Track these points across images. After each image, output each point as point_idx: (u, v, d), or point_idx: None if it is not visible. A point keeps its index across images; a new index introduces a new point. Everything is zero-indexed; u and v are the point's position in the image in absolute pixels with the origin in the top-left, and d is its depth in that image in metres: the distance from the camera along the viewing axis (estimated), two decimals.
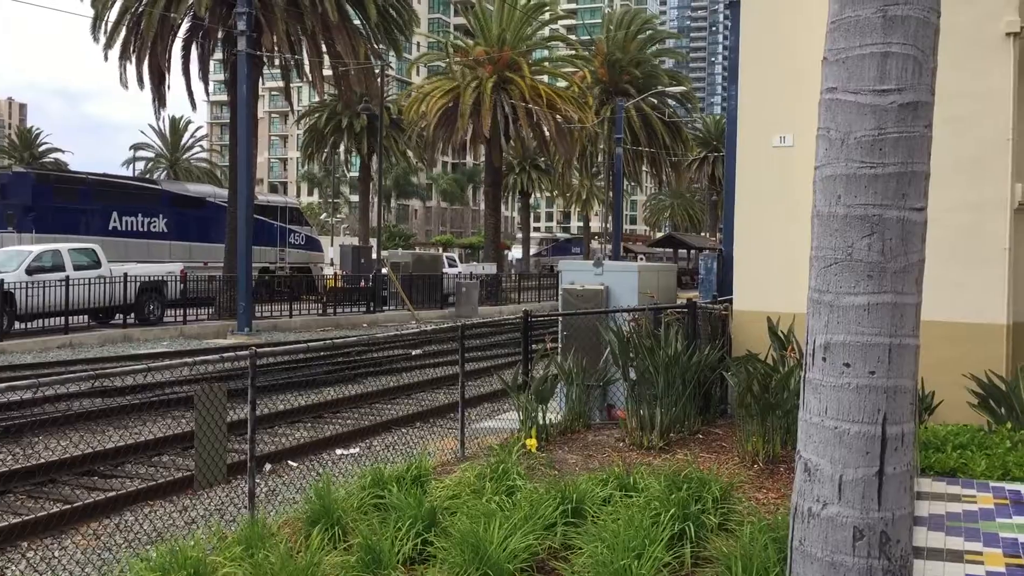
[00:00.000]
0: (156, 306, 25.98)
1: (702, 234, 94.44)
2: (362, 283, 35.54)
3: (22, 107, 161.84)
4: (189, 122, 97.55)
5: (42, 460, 10.06)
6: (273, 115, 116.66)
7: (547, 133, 42.27)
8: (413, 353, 20.58)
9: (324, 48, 30.92)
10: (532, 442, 8.01)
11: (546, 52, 50.19)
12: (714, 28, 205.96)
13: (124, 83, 31.12)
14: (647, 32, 60.61)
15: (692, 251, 72.67)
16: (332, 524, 5.73)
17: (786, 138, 9.86)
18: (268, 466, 10.19)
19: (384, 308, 33.60)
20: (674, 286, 12.76)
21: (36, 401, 13.27)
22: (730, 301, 10.54)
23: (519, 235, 79.26)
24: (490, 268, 42.57)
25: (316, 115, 58.01)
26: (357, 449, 11.31)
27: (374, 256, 40.54)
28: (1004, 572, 4.82)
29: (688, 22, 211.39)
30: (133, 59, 29.87)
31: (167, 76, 30.33)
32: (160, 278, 26.37)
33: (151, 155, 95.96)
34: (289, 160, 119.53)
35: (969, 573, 4.81)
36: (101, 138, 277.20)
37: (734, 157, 10.75)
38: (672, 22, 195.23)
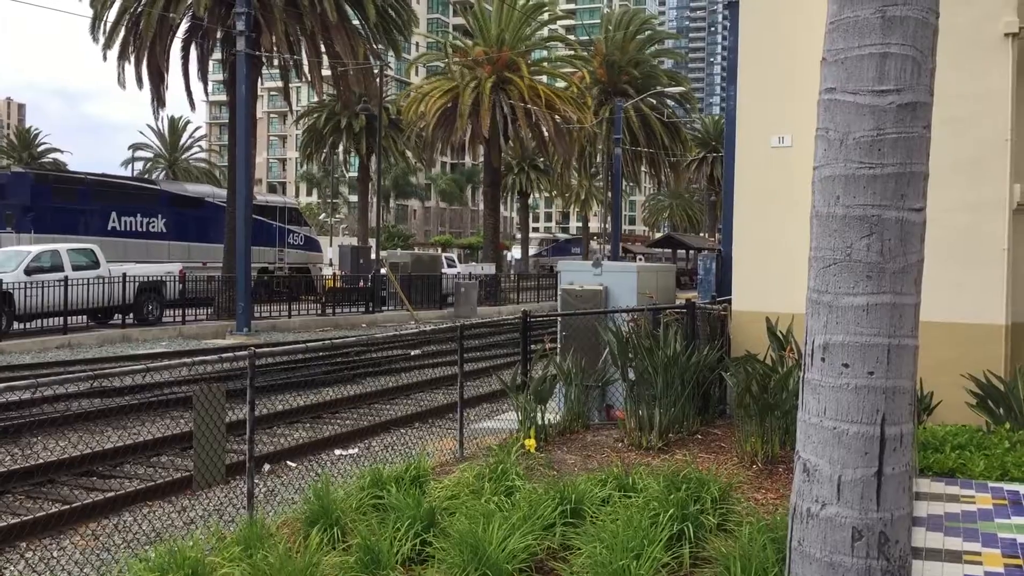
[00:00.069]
0: (155, 306, 25.97)
1: (701, 234, 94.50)
2: (361, 283, 35.54)
3: (21, 107, 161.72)
4: (188, 122, 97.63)
5: (41, 460, 10.05)
6: (272, 115, 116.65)
7: (546, 133, 42.28)
8: (412, 353, 20.58)
9: (323, 48, 30.92)
10: (531, 442, 8.01)
11: (545, 52, 50.19)
12: (713, 28, 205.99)
13: (122, 83, 31.13)
14: (646, 32, 60.62)
15: (691, 251, 72.69)
16: (331, 524, 5.73)
17: (785, 138, 9.87)
18: (267, 466, 10.18)
19: (383, 308, 33.60)
20: (673, 286, 12.76)
21: (35, 401, 13.27)
22: (729, 301, 10.54)
23: (518, 235, 79.26)
24: (489, 268, 42.57)
25: (315, 115, 58.02)
26: (356, 449, 11.31)
27: (373, 256, 40.54)
28: (1002, 572, 4.82)
29: (687, 22, 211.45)
30: (132, 59, 29.87)
31: (166, 76, 30.36)
32: (159, 278, 26.36)
33: (150, 155, 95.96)
34: (288, 160, 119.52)
35: (967, 573, 4.82)
36: (100, 138, 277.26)
37: (733, 157, 10.76)
38: (671, 22, 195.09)
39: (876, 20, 3.68)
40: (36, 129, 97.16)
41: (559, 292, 11.32)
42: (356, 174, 63.37)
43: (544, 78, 45.11)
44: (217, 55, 32.21)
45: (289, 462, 10.54)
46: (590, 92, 50.35)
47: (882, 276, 3.69)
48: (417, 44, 57.38)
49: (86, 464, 9.94)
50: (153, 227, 33.84)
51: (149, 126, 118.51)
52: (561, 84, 46.18)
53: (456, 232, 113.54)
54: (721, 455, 8.05)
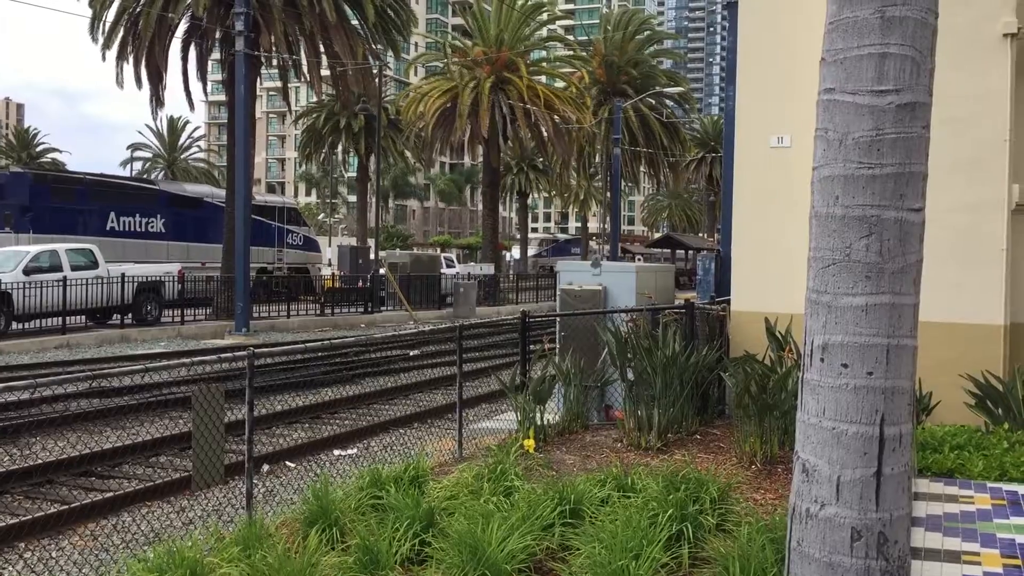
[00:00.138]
0: (154, 306, 25.95)
1: (700, 235, 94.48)
2: (360, 283, 35.53)
3: (19, 107, 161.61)
4: (187, 122, 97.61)
5: (39, 461, 10.04)
6: (271, 115, 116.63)
7: (545, 133, 42.26)
8: (411, 354, 20.57)
9: (322, 48, 30.90)
10: (530, 443, 8.00)
11: (544, 53, 50.14)
12: (712, 29, 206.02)
13: (120, 83, 31.11)
14: (645, 33, 60.61)
15: (690, 252, 72.65)
16: (330, 525, 5.73)
17: (784, 139, 9.87)
18: (266, 467, 10.18)
19: (382, 308, 33.60)
20: (672, 287, 12.76)
21: (33, 401, 13.26)
22: (728, 302, 10.54)
23: (518, 236, 79.27)
24: (488, 268, 42.55)
25: (314, 115, 58.00)
26: (355, 450, 11.30)
27: (372, 256, 40.53)
28: (1001, 573, 4.82)
29: (686, 23, 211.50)
30: (130, 59, 29.86)
31: (165, 76, 30.34)
32: (158, 278, 26.34)
33: (149, 155, 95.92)
34: (287, 160, 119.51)
35: (966, 574, 4.82)
36: (99, 138, 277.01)
37: (732, 158, 10.76)
38: (670, 23, 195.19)
39: (875, 20, 3.68)
40: (35, 129, 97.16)
41: (558, 292, 11.32)
42: (355, 174, 63.33)
43: (543, 78, 45.09)
44: (216, 55, 32.20)
45: (288, 462, 10.54)
46: (589, 92, 50.33)
47: (881, 276, 3.69)
48: (416, 44, 57.43)
49: (85, 464, 9.93)
50: (152, 227, 33.82)
51: (148, 126, 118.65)
52: (560, 84, 46.17)
53: (455, 232, 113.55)
54: (720, 455, 8.06)
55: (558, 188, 69.79)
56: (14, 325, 22.30)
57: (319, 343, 8.72)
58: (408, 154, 58.09)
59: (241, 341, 22.89)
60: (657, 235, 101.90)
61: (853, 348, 3.71)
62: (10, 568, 6.99)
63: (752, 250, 10.23)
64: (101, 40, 30.11)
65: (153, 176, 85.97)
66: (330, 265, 47.11)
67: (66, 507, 8.25)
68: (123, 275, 24.68)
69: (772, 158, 9.96)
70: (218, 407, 8.83)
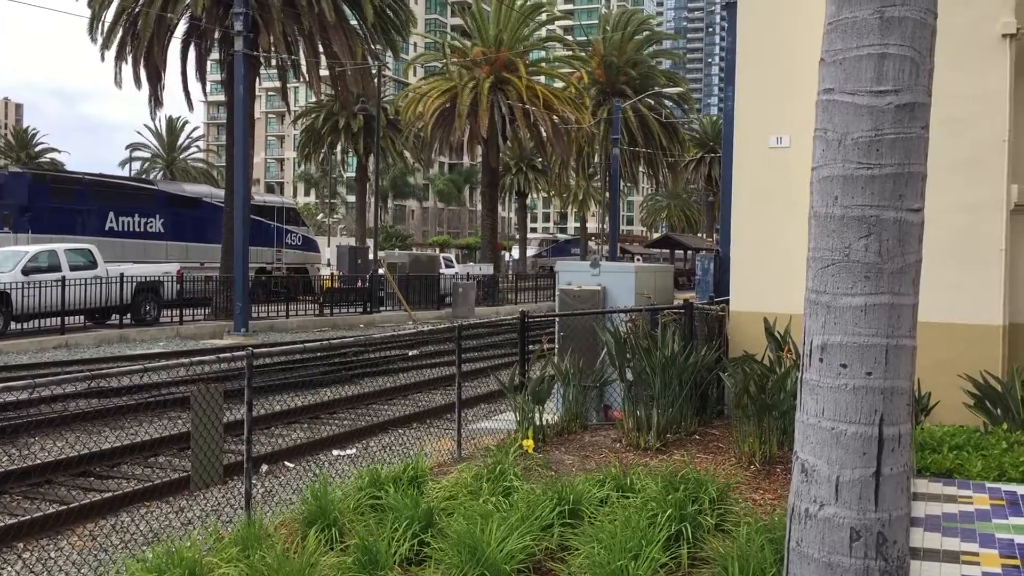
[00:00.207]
0: (152, 306, 25.94)
1: (699, 235, 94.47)
2: (359, 284, 35.51)
3: (18, 107, 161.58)
4: (186, 122, 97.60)
5: (38, 461, 10.04)
6: (270, 115, 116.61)
7: (544, 134, 42.26)
8: (410, 354, 20.57)
9: (321, 48, 30.89)
10: (529, 443, 8.00)
11: (543, 53, 50.10)
12: (711, 29, 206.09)
13: (118, 83, 31.09)
14: (644, 33, 60.61)
15: (689, 252, 72.66)
16: (329, 525, 5.73)
17: (783, 139, 9.87)
18: (265, 467, 10.18)
19: (381, 309, 33.59)
20: (671, 287, 12.76)
21: (32, 402, 13.25)
22: (727, 302, 10.54)
23: (517, 236, 79.25)
24: (487, 269, 42.54)
25: (313, 115, 57.97)
26: (354, 450, 11.30)
27: (371, 257, 40.50)
28: (1000, 573, 4.83)
29: (685, 23, 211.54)
30: (129, 59, 29.83)
31: (163, 76, 30.31)
32: (156, 278, 26.33)
33: (147, 155, 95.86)
34: (286, 160, 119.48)
35: (965, 574, 4.82)
36: (98, 138, 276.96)
37: (731, 158, 10.76)
38: (669, 23, 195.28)
39: (874, 21, 3.68)
40: (34, 129, 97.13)
41: (557, 292, 11.32)
42: (354, 174, 63.31)
43: (542, 78, 45.09)
44: (215, 55, 32.18)
45: (287, 462, 10.53)
46: (588, 92, 50.33)
47: (880, 276, 3.68)
48: (415, 44, 57.35)
49: (84, 464, 9.93)
50: (151, 227, 33.81)
51: (147, 126, 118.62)
52: (559, 84, 46.16)
53: (454, 232, 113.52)
54: (719, 455, 8.06)
55: (557, 188, 69.78)
56: (13, 325, 22.29)
57: (318, 343, 8.72)
58: (407, 154, 58.06)
59: (240, 341, 22.88)
60: (656, 235, 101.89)
61: (852, 348, 3.71)
62: (9, 568, 6.98)
63: (751, 250, 10.23)
64: (100, 40, 30.10)
65: (152, 176, 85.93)
66: (329, 265, 47.10)
67: (65, 507, 8.25)
68: (122, 275, 24.67)
69: (771, 158, 9.96)
70: (217, 407, 8.84)
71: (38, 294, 22.20)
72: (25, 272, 22.40)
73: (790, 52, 9.43)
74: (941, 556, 5.06)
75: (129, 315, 25.15)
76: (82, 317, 24.28)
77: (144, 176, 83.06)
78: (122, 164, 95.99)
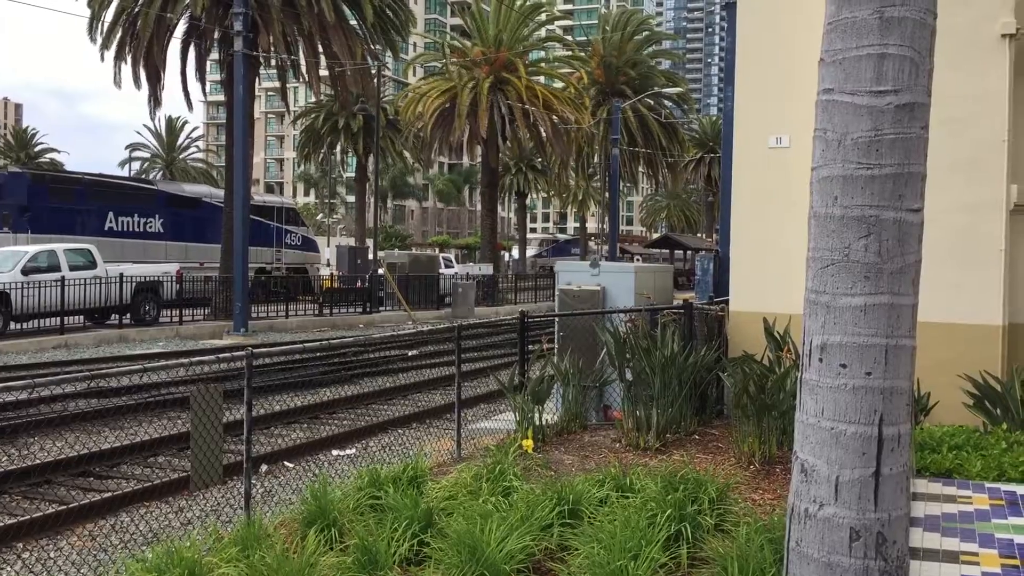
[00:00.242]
0: (152, 306, 25.94)
1: (698, 235, 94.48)
2: (358, 284, 35.51)
3: (18, 107, 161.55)
4: (185, 122, 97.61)
5: (37, 461, 10.03)
6: (269, 115, 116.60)
7: (543, 134, 42.26)
8: (409, 354, 20.57)
9: (320, 48, 30.88)
10: (528, 443, 8.00)
11: (542, 53, 50.10)
12: (711, 29, 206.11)
13: (118, 83, 31.15)
14: (643, 33, 60.61)
15: (688, 252, 72.68)
16: (328, 525, 5.73)
17: (782, 139, 9.87)
18: (264, 467, 10.18)
19: (380, 309, 33.59)
20: (670, 287, 12.76)
21: (32, 402, 13.25)
22: (726, 302, 10.54)
23: (517, 236, 79.26)
24: (486, 269, 42.54)
25: (312, 115, 57.97)
26: (353, 450, 11.30)
27: (370, 257, 40.50)
28: (999, 573, 4.83)
29: (685, 23, 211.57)
30: (129, 59, 29.83)
31: (163, 76, 30.30)
32: (156, 278, 26.33)
33: (147, 155, 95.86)
34: (285, 161, 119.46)
35: (965, 574, 4.82)
36: (97, 138, 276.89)
37: (730, 158, 10.76)
38: (668, 23, 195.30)
39: (874, 21, 3.68)
40: (33, 129, 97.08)
41: (557, 292, 11.32)
42: (354, 174, 63.30)
43: (542, 79, 45.10)
44: (215, 55, 32.17)
45: (286, 462, 10.53)
46: (588, 93, 50.34)
47: (880, 276, 3.69)
48: (415, 44, 57.33)
49: (83, 465, 9.93)
50: (150, 227, 33.80)
51: (146, 126, 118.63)
52: (559, 85, 46.17)
53: (454, 232, 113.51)
54: (718, 455, 8.06)
55: (557, 188, 69.79)
56: (12, 325, 22.29)
57: (317, 343, 8.72)
58: (407, 154, 58.05)
59: (239, 341, 22.88)
60: (655, 235, 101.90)
61: (852, 348, 3.71)
62: (8, 568, 6.98)
63: (751, 250, 10.23)
64: (99, 40, 30.10)
65: (151, 176, 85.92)
66: (328, 265, 47.10)
67: (64, 507, 8.25)
68: (121, 275, 24.67)
69: (771, 158, 9.96)
70: (216, 407, 8.84)
71: (37, 294, 22.20)
72: (24, 272, 22.40)
73: (790, 52, 9.43)
74: (940, 556, 5.06)
75: (128, 315, 25.15)
76: (81, 317, 24.28)
77: (144, 176, 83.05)
78: (122, 164, 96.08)
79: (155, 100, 31.05)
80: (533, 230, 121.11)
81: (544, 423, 8.87)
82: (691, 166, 75.15)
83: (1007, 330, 8.88)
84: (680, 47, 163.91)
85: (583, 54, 54.25)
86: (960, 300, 8.75)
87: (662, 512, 5.39)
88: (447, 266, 45.93)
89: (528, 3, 44.82)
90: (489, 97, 39.74)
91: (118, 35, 29.81)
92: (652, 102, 54.99)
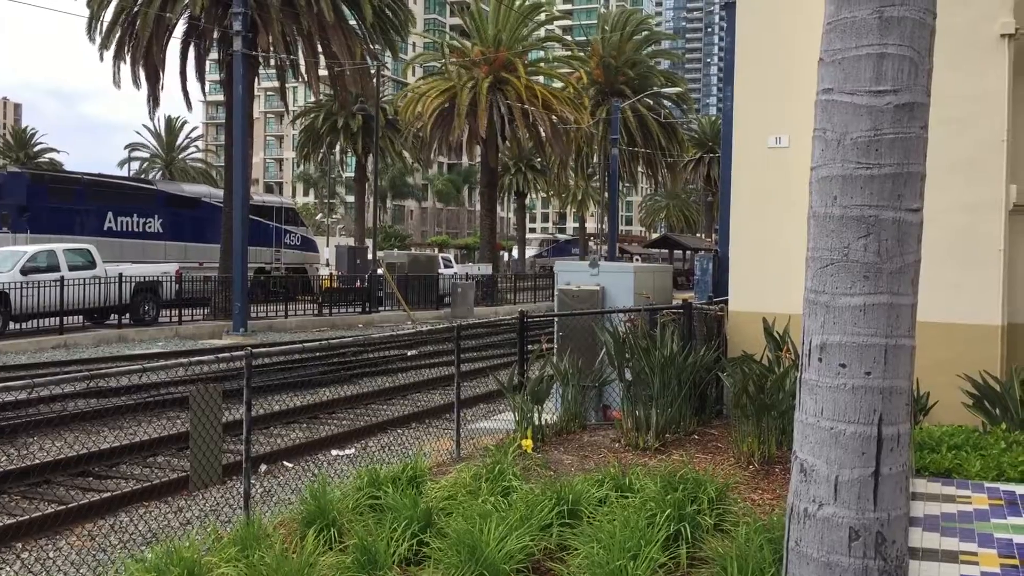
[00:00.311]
0: (151, 306, 25.93)
1: (698, 235, 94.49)
2: (358, 284, 35.52)
3: (17, 107, 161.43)
4: (185, 122, 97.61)
5: (37, 461, 10.03)
6: (269, 115, 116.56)
7: (543, 134, 42.26)
8: (409, 354, 20.57)
9: (320, 48, 30.89)
10: (528, 443, 8.00)
11: (542, 53, 50.10)
12: (710, 29, 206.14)
13: (117, 83, 31.18)
14: (643, 33, 60.62)
15: (688, 252, 72.68)
16: (328, 525, 5.72)
17: (782, 139, 9.87)
18: (264, 467, 10.17)
19: (380, 309, 33.59)
20: (670, 287, 12.76)
21: (31, 402, 13.25)
22: (726, 302, 10.54)
23: (517, 235, 79.26)
24: (486, 269, 42.55)
25: (312, 115, 57.96)
26: (353, 450, 11.30)
27: (370, 257, 40.50)
28: (999, 573, 4.83)
29: (684, 23, 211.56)
30: (128, 59, 29.83)
31: (162, 76, 30.31)
32: (155, 278, 26.33)
33: (146, 155, 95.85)
34: (285, 160, 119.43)
35: (964, 574, 4.82)
36: (96, 138, 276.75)
37: (730, 158, 10.77)
38: (668, 23, 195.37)
39: (873, 20, 3.68)
40: (32, 129, 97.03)
41: (556, 292, 11.32)
42: (353, 174, 63.31)
43: (541, 79, 45.10)
44: (214, 55, 32.17)
45: (286, 462, 10.53)
46: (587, 93, 50.35)
47: (879, 276, 3.69)
48: (414, 44, 57.34)
49: (82, 464, 9.92)
50: (149, 227, 33.80)
51: (145, 126, 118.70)
52: (558, 84, 46.18)
53: (453, 232, 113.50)
54: (718, 455, 8.06)
55: (556, 188, 69.78)
56: (11, 325, 22.28)
57: (317, 343, 8.72)
58: (406, 154, 58.02)
59: (239, 341, 22.88)
60: (655, 235, 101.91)
61: (851, 348, 3.71)
62: (7, 568, 6.98)
63: (750, 250, 10.23)
64: (99, 40, 30.11)
65: (151, 176, 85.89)
66: (328, 265, 47.10)
67: (63, 507, 8.24)
68: (120, 275, 24.66)
69: (770, 158, 9.96)
70: (216, 407, 8.84)
71: (37, 294, 22.19)
72: (24, 272, 22.39)
73: (789, 52, 9.43)
74: (940, 556, 5.06)
75: (128, 315, 25.14)
76: (81, 317, 24.27)
77: (143, 176, 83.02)
78: (121, 164, 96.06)
79: (154, 100, 31.07)
80: (532, 230, 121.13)
81: (543, 423, 8.87)
82: (690, 166, 75.14)
83: (1006, 330, 8.89)
84: (679, 47, 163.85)
85: (582, 54, 54.26)
86: (959, 300, 8.75)
87: (661, 512, 5.39)
88: (446, 266, 45.95)
89: (527, 3, 44.83)
90: (488, 97, 39.75)
91: (117, 35, 29.81)
92: (651, 102, 55.01)
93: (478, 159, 47.71)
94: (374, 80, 38.50)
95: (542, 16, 48.23)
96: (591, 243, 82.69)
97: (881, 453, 3.69)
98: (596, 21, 77.50)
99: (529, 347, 10.23)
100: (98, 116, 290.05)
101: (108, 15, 29.80)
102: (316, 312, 31.19)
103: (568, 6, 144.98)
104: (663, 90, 56.70)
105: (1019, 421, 7.68)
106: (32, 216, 29.64)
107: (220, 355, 8.78)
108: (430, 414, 13.48)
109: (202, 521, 7.81)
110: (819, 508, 3.75)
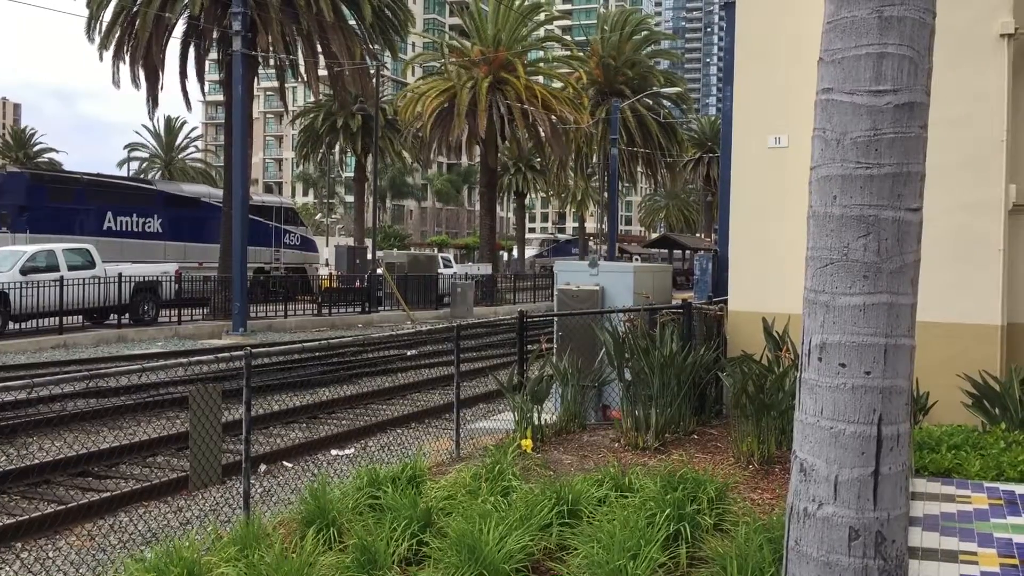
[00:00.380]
0: (151, 306, 25.94)
1: (697, 235, 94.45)
2: (357, 283, 35.52)
3: (16, 107, 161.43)
4: (184, 122, 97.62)
5: (36, 461, 10.03)
6: (268, 115, 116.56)
7: (542, 134, 42.26)
8: (408, 354, 20.57)
9: (319, 48, 30.90)
10: (527, 443, 8.00)
11: (541, 53, 50.08)
12: (709, 29, 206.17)
13: (116, 83, 31.21)
14: (642, 33, 60.60)
15: (687, 252, 72.66)
16: (327, 525, 5.72)
17: (781, 139, 9.87)
18: (263, 467, 10.17)
19: (379, 309, 33.58)
20: (669, 286, 12.76)
21: (30, 401, 13.25)
22: (725, 302, 10.54)
23: (517, 235, 79.25)
24: (485, 268, 42.55)
25: (311, 115, 57.95)
26: (352, 450, 11.30)
27: (369, 256, 40.50)
28: (998, 572, 4.83)
29: (683, 23, 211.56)
30: (127, 59, 29.83)
31: (161, 76, 30.32)
32: (155, 278, 26.33)
33: (146, 155, 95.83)
34: (284, 160, 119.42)
35: (964, 573, 4.82)
36: (96, 138, 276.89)
37: (729, 158, 10.77)
38: (667, 23, 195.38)
39: (873, 20, 3.67)
40: (32, 129, 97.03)
41: (555, 292, 11.31)
42: (352, 174, 63.29)
43: (541, 78, 45.10)
44: (214, 55, 32.18)
45: (285, 462, 10.53)
46: (586, 92, 50.35)
47: (879, 276, 3.68)
48: (414, 44, 57.30)
49: (82, 464, 9.93)
50: (149, 227, 33.80)
51: (145, 126, 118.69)
52: (558, 84, 46.18)
53: (452, 232, 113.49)
54: (717, 455, 8.06)
55: (555, 188, 69.76)
56: (11, 325, 22.29)
57: (316, 343, 8.72)
58: (405, 154, 58.01)
59: (238, 341, 22.87)
60: (654, 235, 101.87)
61: (851, 348, 3.71)
62: (7, 568, 6.98)
63: (749, 250, 10.23)
64: (98, 40, 30.11)
65: (150, 176, 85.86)
66: (327, 265, 47.08)
67: (63, 507, 8.24)
68: (120, 275, 24.66)
69: (770, 158, 9.96)
70: (215, 407, 8.84)
71: (36, 294, 22.19)
72: (23, 272, 22.39)
73: (789, 52, 9.43)
74: (939, 555, 5.06)
75: (127, 315, 25.14)
76: (80, 317, 24.27)
77: (142, 176, 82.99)
78: (120, 164, 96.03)
79: (154, 100, 31.08)
80: (532, 230, 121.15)
81: (543, 423, 8.87)
82: (690, 166, 75.15)
83: (1006, 330, 8.89)
84: (679, 47, 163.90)
85: (582, 54, 54.24)
86: (959, 300, 8.75)
87: (661, 512, 5.39)
88: (446, 266, 45.93)
89: (527, 3, 44.82)
90: (488, 97, 39.74)
91: (116, 35, 29.81)
92: (651, 102, 55.00)
93: (478, 159, 47.72)
94: (373, 80, 38.49)
95: (541, 16, 48.24)
96: (591, 243, 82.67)
97: (881, 453, 3.69)
98: (595, 21, 77.51)
99: (529, 347, 10.23)
100: (97, 116, 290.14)
101: (107, 15, 29.83)
102: (316, 312, 31.18)
103: (568, 6, 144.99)
104: (662, 90, 56.68)
105: (1019, 421, 7.68)
106: (31, 216, 29.64)
107: (219, 355, 8.78)
108: (430, 414, 13.48)
109: (202, 521, 7.81)
110: (819, 508, 3.75)
